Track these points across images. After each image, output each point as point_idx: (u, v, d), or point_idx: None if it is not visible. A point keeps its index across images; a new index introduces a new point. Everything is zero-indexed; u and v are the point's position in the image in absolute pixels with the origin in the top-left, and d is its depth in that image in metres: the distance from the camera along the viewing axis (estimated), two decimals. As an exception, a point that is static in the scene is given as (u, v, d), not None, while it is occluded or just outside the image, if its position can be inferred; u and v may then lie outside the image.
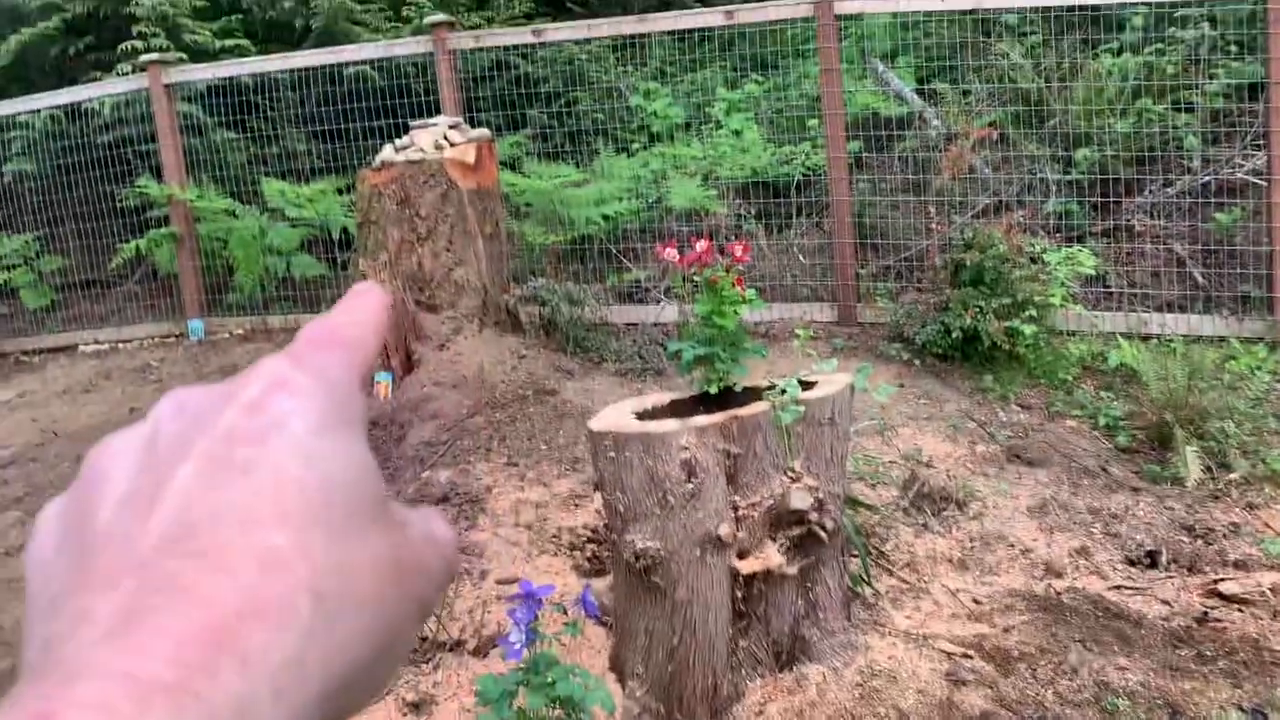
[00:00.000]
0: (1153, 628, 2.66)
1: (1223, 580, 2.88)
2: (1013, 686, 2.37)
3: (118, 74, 6.62)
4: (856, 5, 5.39)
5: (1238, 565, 2.99)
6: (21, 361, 6.46)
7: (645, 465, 2.20)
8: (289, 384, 0.30)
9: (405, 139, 4.76)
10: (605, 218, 5.69)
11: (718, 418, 2.27)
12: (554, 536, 3.20)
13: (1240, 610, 2.75)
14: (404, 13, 7.18)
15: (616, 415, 2.39)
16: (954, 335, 4.47)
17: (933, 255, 5.18)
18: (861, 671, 2.39)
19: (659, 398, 2.61)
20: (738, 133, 6.00)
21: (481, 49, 6.10)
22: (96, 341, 6.51)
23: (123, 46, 6.68)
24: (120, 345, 6.44)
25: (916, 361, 4.69)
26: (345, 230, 6.05)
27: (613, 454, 2.23)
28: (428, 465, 3.72)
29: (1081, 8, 5.27)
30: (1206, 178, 5.25)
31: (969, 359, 4.61)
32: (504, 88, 6.26)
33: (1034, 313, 4.40)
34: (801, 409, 2.31)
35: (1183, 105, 5.33)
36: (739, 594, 2.33)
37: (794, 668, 2.40)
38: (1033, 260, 4.62)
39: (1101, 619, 2.70)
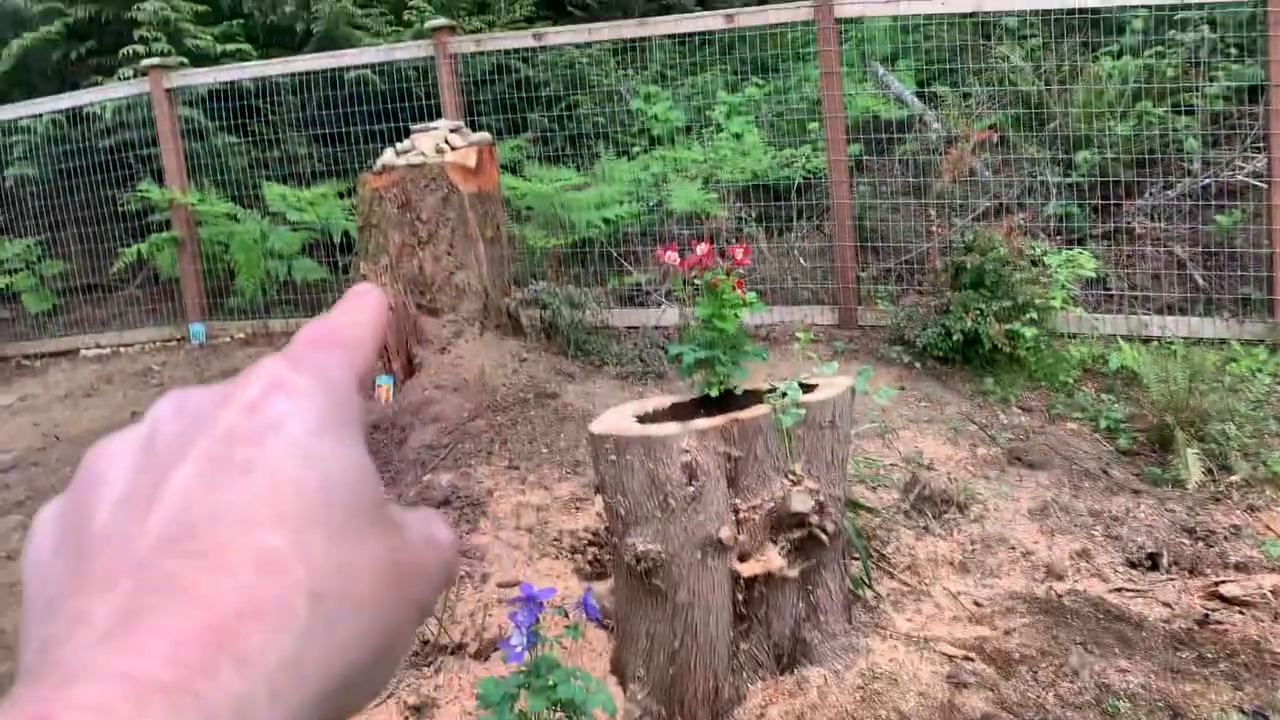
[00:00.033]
0: (1154, 630, 2.66)
1: (1224, 582, 2.88)
2: (1014, 689, 2.37)
3: (119, 78, 6.63)
4: (857, 8, 5.39)
5: (1239, 567, 2.99)
6: (23, 366, 6.46)
7: (646, 468, 2.20)
8: (287, 385, 0.30)
9: (406, 143, 4.76)
10: (606, 221, 5.69)
11: (718, 421, 2.27)
12: (555, 540, 3.19)
13: (1241, 612, 2.74)
14: (405, 17, 7.19)
15: (617, 418, 2.39)
16: (955, 338, 4.47)
17: (933, 258, 5.18)
18: (863, 674, 2.39)
19: (660, 401, 2.61)
20: (738, 136, 6.00)
21: (482, 53, 6.11)
22: (98, 345, 6.52)
23: (124, 51, 6.69)
24: (122, 349, 6.44)
25: (917, 364, 4.69)
26: (346, 234, 6.05)
27: (614, 457, 2.23)
28: (429, 468, 3.72)
29: (1081, 10, 5.27)
30: (1207, 180, 5.25)
31: (970, 362, 4.60)
32: (505, 91, 6.27)
33: (1035, 315, 4.39)
34: (802, 412, 2.31)
35: (1183, 108, 5.33)
36: (740, 597, 2.33)
37: (795, 670, 2.40)
38: (1033, 263, 4.62)
39: (1102, 621, 2.70)
